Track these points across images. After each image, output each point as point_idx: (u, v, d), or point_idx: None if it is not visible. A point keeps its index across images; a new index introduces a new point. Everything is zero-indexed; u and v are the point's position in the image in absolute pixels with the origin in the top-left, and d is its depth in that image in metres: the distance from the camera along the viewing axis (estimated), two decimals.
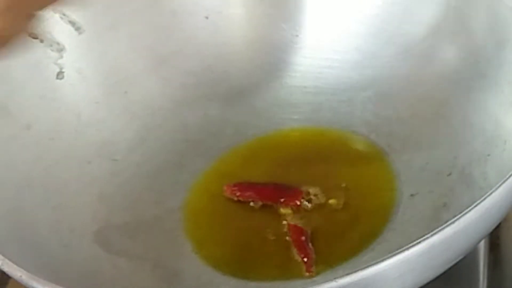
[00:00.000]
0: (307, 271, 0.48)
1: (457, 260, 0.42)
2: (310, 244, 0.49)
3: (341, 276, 0.37)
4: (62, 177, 0.53)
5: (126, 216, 0.53)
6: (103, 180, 0.55)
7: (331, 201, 0.52)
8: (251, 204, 0.53)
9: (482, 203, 0.39)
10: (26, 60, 0.54)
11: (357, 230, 0.50)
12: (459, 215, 0.38)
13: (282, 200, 0.52)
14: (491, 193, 0.39)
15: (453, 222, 0.38)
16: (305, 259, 0.49)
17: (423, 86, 0.55)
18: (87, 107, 0.56)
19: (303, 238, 0.49)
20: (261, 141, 0.57)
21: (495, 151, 0.48)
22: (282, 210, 0.52)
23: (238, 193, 0.53)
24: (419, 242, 0.37)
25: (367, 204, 0.51)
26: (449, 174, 0.50)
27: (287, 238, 0.50)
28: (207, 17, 0.59)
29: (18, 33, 0.45)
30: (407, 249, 0.37)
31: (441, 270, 0.41)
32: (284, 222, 0.51)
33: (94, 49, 0.57)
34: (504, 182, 0.40)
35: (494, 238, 0.52)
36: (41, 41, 0.55)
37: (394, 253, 0.37)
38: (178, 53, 0.58)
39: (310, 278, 0.48)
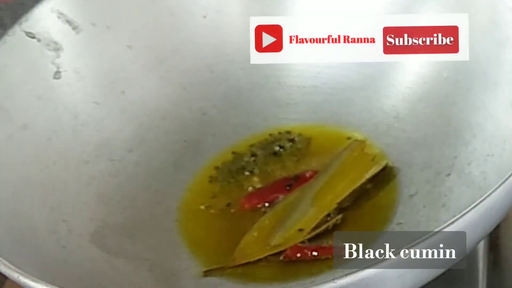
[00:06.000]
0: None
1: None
2: (314, 244, 0.49)
3: (340, 277, 0.37)
4: (59, 177, 0.53)
5: (124, 216, 0.53)
6: (101, 180, 0.55)
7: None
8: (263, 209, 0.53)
9: (482, 203, 0.39)
10: (23, 60, 0.54)
11: (357, 231, 0.50)
12: (459, 216, 0.38)
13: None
14: (491, 193, 0.39)
15: (452, 223, 0.38)
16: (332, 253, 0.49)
17: (422, 86, 0.55)
18: (84, 107, 0.56)
19: (307, 249, 0.49)
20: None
21: (495, 151, 0.48)
22: None
23: (256, 201, 0.53)
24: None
25: (367, 204, 0.51)
26: (449, 174, 0.50)
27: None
28: (205, 17, 0.59)
29: None
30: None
31: (441, 270, 0.41)
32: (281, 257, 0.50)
33: (92, 48, 0.57)
34: (504, 182, 0.40)
35: (494, 238, 0.52)
36: (38, 40, 0.55)
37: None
38: (176, 52, 0.58)
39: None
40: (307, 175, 0.54)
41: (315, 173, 0.53)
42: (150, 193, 0.55)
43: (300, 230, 0.50)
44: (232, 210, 0.53)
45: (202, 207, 0.54)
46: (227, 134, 0.58)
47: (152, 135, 0.57)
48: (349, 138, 0.55)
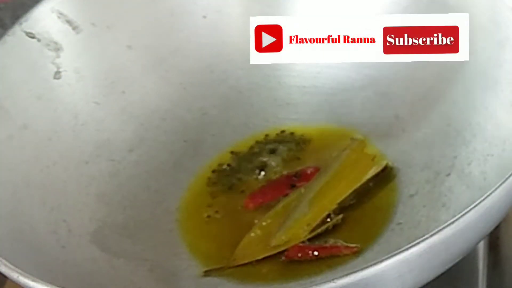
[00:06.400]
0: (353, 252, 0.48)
1: (457, 260, 0.41)
2: (316, 244, 0.50)
3: (341, 277, 0.37)
4: (59, 178, 0.53)
5: (124, 216, 0.53)
6: (101, 180, 0.55)
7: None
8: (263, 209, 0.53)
9: (482, 203, 0.39)
10: (23, 60, 0.54)
11: (357, 231, 0.50)
12: (459, 216, 0.38)
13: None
14: (491, 193, 0.39)
15: (452, 223, 0.38)
16: (343, 251, 0.49)
17: (422, 86, 0.55)
18: (84, 107, 0.56)
19: (308, 249, 0.49)
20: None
21: (495, 151, 0.48)
22: None
23: (260, 201, 0.53)
24: (419, 243, 0.37)
25: (367, 204, 0.51)
26: (449, 174, 0.50)
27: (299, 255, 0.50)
28: (205, 17, 0.59)
29: None
30: (407, 249, 0.37)
31: (441, 270, 0.41)
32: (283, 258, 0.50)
33: (92, 48, 0.57)
34: (504, 182, 0.40)
35: (494, 238, 0.52)
36: (38, 40, 0.55)
37: (394, 253, 0.37)
38: (176, 52, 0.58)
39: (358, 255, 0.48)
40: (308, 171, 0.54)
41: (317, 169, 0.53)
42: (150, 193, 0.55)
43: (301, 230, 0.50)
44: (231, 210, 0.53)
45: (202, 207, 0.54)
46: (227, 134, 0.58)
47: (152, 135, 0.57)
48: (349, 138, 0.55)
